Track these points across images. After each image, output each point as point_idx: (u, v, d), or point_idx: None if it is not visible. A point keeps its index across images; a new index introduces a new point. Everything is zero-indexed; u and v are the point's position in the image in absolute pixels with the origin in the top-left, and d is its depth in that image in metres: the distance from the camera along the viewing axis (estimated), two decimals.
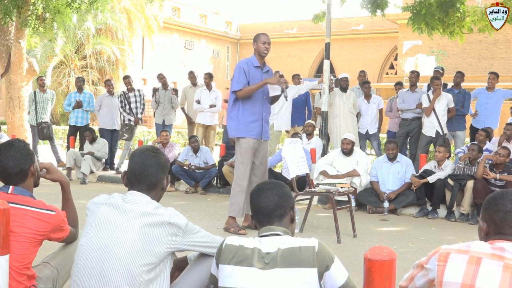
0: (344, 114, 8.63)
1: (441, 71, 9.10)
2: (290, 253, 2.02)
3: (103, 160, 9.76)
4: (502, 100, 8.75)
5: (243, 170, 5.52)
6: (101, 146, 9.62)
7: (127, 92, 9.88)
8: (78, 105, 10.02)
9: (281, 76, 5.55)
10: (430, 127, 8.16)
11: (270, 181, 2.30)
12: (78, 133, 10.36)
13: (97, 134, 10.12)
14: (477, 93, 8.80)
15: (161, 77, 10.00)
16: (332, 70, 15.70)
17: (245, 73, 5.45)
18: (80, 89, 10.35)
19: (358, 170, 7.13)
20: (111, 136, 10.09)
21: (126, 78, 9.96)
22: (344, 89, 8.76)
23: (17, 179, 2.45)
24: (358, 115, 9.05)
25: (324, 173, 7.17)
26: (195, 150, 8.57)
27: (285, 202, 2.20)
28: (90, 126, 10.61)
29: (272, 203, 2.17)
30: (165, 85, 9.94)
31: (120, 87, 23.64)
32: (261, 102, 5.57)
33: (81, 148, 10.04)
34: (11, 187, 2.43)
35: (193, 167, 8.39)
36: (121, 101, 9.87)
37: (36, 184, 2.59)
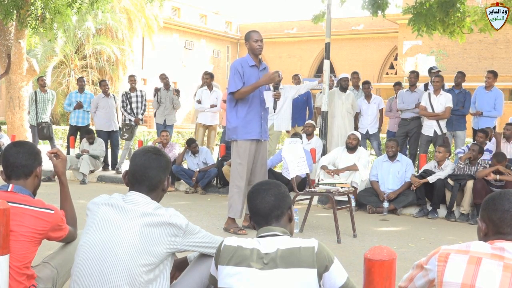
0: (342, 114, 8.67)
1: (437, 70, 9.18)
2: (290, 253, 2.01)
3: (101, 159, 9.75)
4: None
5: (241, 172, 5.50)
6: (97, 145, 9.63)
7: (129, 92, 9.96)
8: (79, 105, 10.02)
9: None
10: (429, 126, 8.17)
11: (266, 181, 2.29)
12: (78, 133, 10.36)
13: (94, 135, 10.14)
14: (476, 92, 8.75)
15: (163, 77, 10.02)
16: (332, 70, 15.72)
17: (240, 74, 5.41)
18: (81, 89, 10.34)
19: (357, 165, 7.18)
20: (109, 137, 10.09)
21: (132, 77, 10.10)
22: (344, 89, 8.78)
23: (22, 174, 2.48)
24: (359, 115, 9.06)
25: (324, 168, 7.27)
26: (194, 153, 8.60)
27: (282, 202, 2.19)
28: (90, 126, 10.60)
29: (269, 204, 2.17)
30: (167, 85, 9.96)
31: (120, 86, 23.72)
32: (259, 102, 5.56)
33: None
34: (11, 185, 2.44)
35: (197, 171, 8.42)
36: (122, 101, 9.92)
37: (35, 189, 2.60)
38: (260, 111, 5.57)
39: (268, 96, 5.60)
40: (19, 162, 2.48)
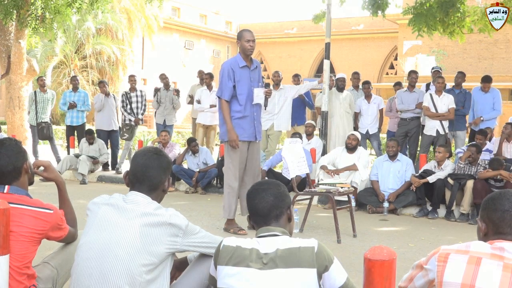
0: (340, 114, 8.70)
1: (440, 71, 9.14)
2: (289, 253, 2.01)
3: (103, 159, 9.73)
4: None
5: (234, 172, 5.50)
6: (99, 146, 9.62)
7: (129, 92, 9.95)
8: (72, 106, 10.01)
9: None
10: (431, 126, 8.15)
11: (265, 181, 2.29)
12: (76, 133, 10.34)
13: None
14: (473, 94, 8.67)
15: (163, 78, 10.03)
16: (332, 70, 15.71)
17: (229, 77, 5.35)
18: (75, 88, 10.31)
19: (357, 165, 7.17)
20: (109, 136, 10.09)
21: (132, 77, 10.10)
22: (341, 89, 8.81)
23: (11, 178, 2.43)
24: (359, 115, 9.07)
25: (324, 168, 7.26)
26: (194, 152, 8.60)
27: (281, 202, 2.18)
28: (87, 125, 10.57)
29: (268, 204, 2.16)
30: (167, 86, 9.96)
31: (120, 86, 23.72)
32: (251, 102, 5.52)
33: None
34: (6, 186, 2.41)
35: (197, 171, 8.42)
36: (122, 101, 9.91)
37: (30, 182, 2.57)
38: (253, 112, 5.54)
39: (259, 92, 5.52)
40: (6, 170, 2.40)
